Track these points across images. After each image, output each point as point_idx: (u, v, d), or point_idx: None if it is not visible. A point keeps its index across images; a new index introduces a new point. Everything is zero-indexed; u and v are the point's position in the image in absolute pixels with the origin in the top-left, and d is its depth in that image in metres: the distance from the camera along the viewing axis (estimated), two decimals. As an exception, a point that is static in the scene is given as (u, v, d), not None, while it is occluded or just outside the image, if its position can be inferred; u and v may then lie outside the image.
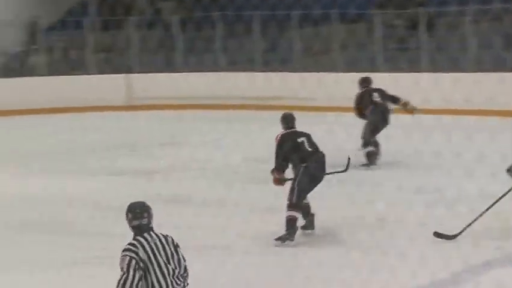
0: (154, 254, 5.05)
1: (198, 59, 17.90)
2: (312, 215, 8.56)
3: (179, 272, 5.14)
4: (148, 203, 9.41)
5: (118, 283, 5.02)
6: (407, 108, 11.68)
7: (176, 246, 5.18)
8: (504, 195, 7.93)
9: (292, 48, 17.44)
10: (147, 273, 5.01)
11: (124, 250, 5.04)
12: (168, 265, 5.07)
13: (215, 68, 17.70)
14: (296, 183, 8.32)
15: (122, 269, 5.01)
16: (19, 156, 13.04)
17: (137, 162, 12.49)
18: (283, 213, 8.63)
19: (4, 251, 8.34)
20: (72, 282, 7.47)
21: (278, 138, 8.56)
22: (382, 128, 11.46)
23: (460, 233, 7.89)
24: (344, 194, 9.82)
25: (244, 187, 8.88)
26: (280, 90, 15.75)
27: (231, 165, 11.77)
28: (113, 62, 19.25)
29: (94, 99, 17.08)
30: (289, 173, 8.50)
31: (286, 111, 9.04)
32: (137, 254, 5.01)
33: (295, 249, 7.96)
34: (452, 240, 7.88)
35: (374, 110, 11.45)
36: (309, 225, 8.55)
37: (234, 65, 17.71)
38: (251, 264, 7.62)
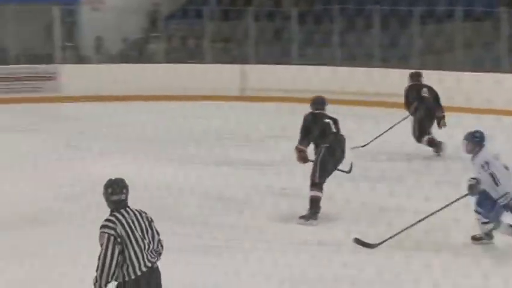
0: (131, 229, 5.30)
1: (315, 53, 17.75)
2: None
3: (153, 246, 5.41)
4: (259, 194, 9.38)
5: (99, 259, 5.26)
6: (440, 122, 11.59)
7: (150, 222, 5.47)
8: (440, 209, 7.82)
9: (413, 45, 17.06)
10: (125, 247, 5.26)
11: (103, 226, 5.28)
12: (144, 240, 5.34)
13: (332, 62, 17.50)
14: (318, 163, 8.74)
15: (101, 245, 5.29)
16: (133, 143, 13.17)
17: (249, 154, 12.44)
18: (394, 213, 8.41)
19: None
20: (178, 269, 7.32)
21: (305, 116, 9.13)
22: (430, 124, 11.58)
23: (382, 242, 7.78)
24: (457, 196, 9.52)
25: (356, 184, 8.66)
26: (399, 87, 15.36)
27: (343, 161, 11.60)
28: (230, 52, 19.31)
29: (209, 89, 17.14)
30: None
31: (318, 95, 9.54)
32: (115, 230, 5.25)
33: (405, 251, 7.69)
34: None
35: (419, 106, 11.57)
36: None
37: (352, 59, 17.45)
38: (358, 263, 7.42)
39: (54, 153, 11.96)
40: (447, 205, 7.82)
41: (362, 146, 11.83)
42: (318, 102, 9.27)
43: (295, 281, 7.05)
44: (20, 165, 11.40)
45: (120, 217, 5.33)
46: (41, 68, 18.91)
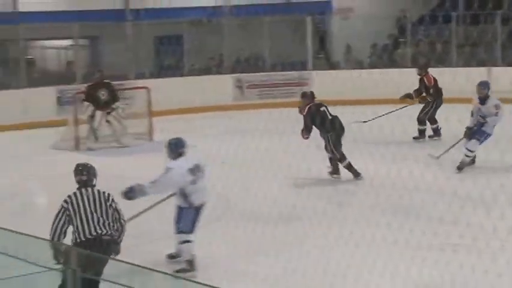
0: (84, 204, 6.49)
1: None
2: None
3: (104, 221, 6.48)
4: (506, 195, 9.14)
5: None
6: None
7: (107, 201, 6.57)
8: (164, 199, 8.20)
9: None
10: (73, 217, 6.46)
11: (63, 200, 6.56)
12: (94, 214, 6.48)
13: None
14: (330, 145, 11.47)
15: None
16: (371, 145, 13.50)
17: (497, 155, 12.28)
18: None
19: (361, 229, 8.90)
20: (427, 265, 7.68)
21: (308, 109, 11.45)
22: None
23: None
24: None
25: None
26: None
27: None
28: (477, 56, 19.15)
29: (457, 91, 17.10)
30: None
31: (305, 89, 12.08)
32: (67, 203, 6.51)
33: None
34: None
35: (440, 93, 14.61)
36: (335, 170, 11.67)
37: None
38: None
39: (300, 154, 12.43)
40: (158, 202, 8.27)
41: (364, 122, 13.52)
42: (310, 96, 11.69)
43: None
44: (273, 166, 12.14)
45: (78, 193, 6.57)
46: (295, 74, 19.83)
